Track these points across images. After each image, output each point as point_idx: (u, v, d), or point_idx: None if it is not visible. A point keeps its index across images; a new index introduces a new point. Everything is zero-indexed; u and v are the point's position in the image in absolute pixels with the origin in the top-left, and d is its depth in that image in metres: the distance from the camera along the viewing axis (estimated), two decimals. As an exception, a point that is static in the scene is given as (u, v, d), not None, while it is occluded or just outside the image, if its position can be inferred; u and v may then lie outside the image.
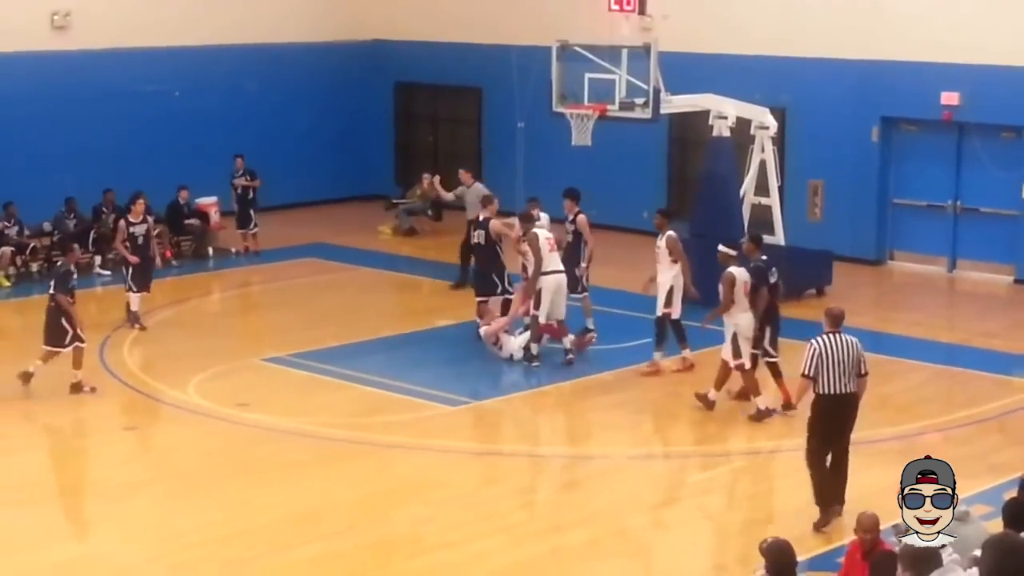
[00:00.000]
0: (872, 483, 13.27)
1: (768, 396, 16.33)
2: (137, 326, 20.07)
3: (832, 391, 12.90)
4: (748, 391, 16.36)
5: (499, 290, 19.07)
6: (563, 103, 21.08)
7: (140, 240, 20.50)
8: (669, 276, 17.89)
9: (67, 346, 17.23)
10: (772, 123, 22.11)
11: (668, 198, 26.69)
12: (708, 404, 16.47)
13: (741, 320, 16.16)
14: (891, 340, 19.95)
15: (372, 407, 16.94)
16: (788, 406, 15.78)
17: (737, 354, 16.17)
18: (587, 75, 20.81)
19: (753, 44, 25.06)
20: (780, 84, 24.41)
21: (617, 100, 20.53)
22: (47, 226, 24.26)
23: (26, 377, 17.22)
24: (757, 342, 16.39)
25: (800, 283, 22.08)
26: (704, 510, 14.02)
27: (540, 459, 15.74)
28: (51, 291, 17.34)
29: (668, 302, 17.86)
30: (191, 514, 13.54)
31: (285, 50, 29.56)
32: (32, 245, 23.84)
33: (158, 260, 21.67)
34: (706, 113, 21.75)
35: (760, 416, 16.11)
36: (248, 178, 25.47)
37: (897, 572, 8.10)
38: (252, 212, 25.43)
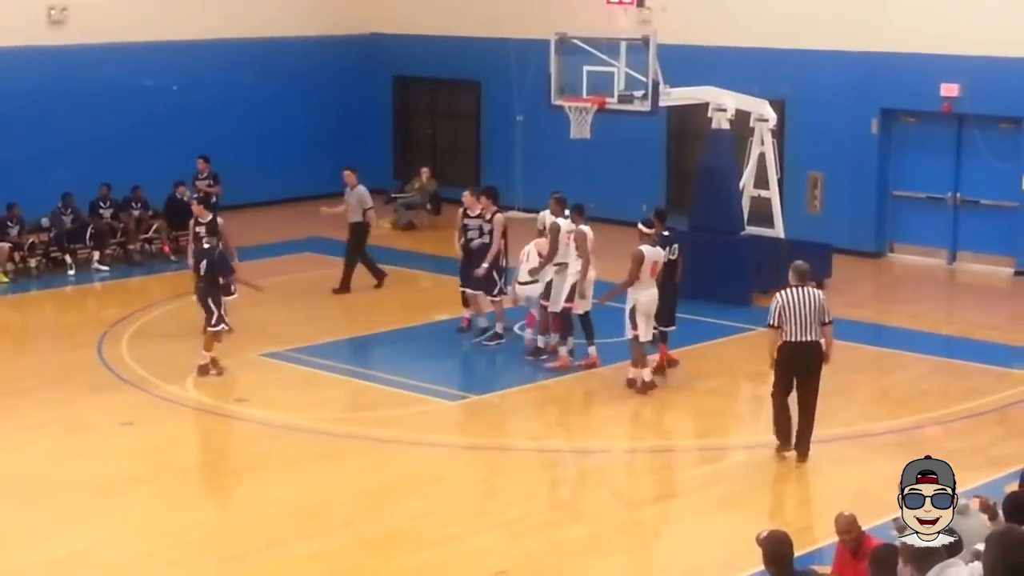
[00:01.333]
0: (871, 475, 13.25)
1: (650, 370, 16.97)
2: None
3: (795, 339, 14.07)
4: (637, 362, 16.94)
5: (495, 290, 18.97)
6: (562, 96, 21.02)
7: (205, 243, 19.07)
8: (574, 269, 17.68)
9: (214, 326, 17.43)
10: (771, 115, 22.06)
11: (667, 191, 26.70)
12: (643, 387, 16.80)
13: (642, 296, 16.64)
14: (891, 333, 19.93)
15: (370, 402, 16.90)
16: (660, 371, 17.28)
17: (634, 326, 16.68)
18: (585, 68, 20.76)
19: (752, 36, 25.00)
20: (779, 76, 24.36)
21: (616, 93, 20.48)
22: (44, 222, 24.17)
23: (203, 370, 17.47)
24: (668, 318, 17.37)
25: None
26: (704, 504, 13.95)
27: (539, 453, 15.67)
28: (207, 273, 17.47)
29: (571, 297, 17.66)
30: (188, 510, 13.50)
31: (282, 44, 29.51)
32: (30, 241, 23.76)
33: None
34: (705, 106, 21.70)
35: (644, 388, 16.75)
36: (211, 183, 25.26)
37: (898, 566, 8.04)
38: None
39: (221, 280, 17.72)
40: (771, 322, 14.20)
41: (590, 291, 17.76)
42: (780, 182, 22.55)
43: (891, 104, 24.31)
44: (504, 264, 19.04)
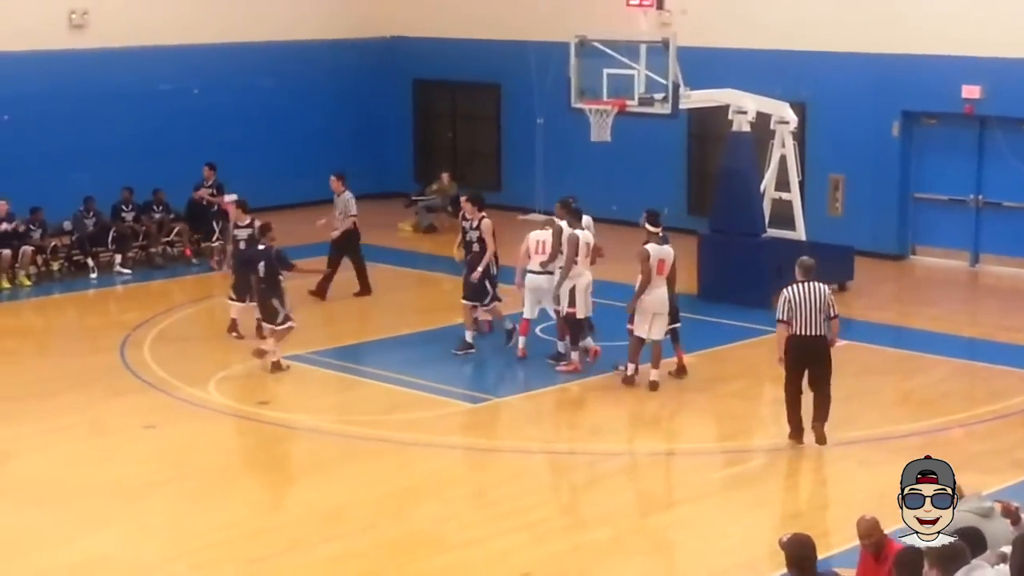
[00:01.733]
0: (895, 478, 13.12)
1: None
2: (234, 334, 19.32)
3: (801, 333, 14.48)
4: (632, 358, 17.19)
5: (487, 300, 18.99)
6: (582, 99, 21.01)
7: (243, 245, 19.41)
8: (574, 273, 17.62)
9: (281, 324, 17.69)
10: (792, 118, 22.01)
11: (688, 193, 26.69)
12: (628, 380, 17.11)
13: (646, 296, 16.76)
14: (913, 335, 19.86)
15: (392, 405, 16.90)
16: (681, 371, 17.48)
17: (630, 320, 16.91)
18: (606, 71, 20.74)
19: (772, 38, 24.95)
20: (800, 78, 24.30)
21: (636, 95, 20.46)
22: (67, 225, 24.24)
23: (260, 353, 17.78)
24: (673, 316, 17.27)
25: (821, 278, 21.95)
26: (727, 507, 13.93)
27: (560, 456, 15.67)
28: (266, 275, 17.68)
29: (572, 301, 17.63)
30: (211, 513, 13.52)
31: (303, 47, 29.56)
32: (52, 244, 23.83)
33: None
34: (725, 108, 21.65)
35: (627, 380, 17.10)
36: (214, 192, 25.18)
37: (924, 569, 8.02)
38: (216, 225, 24.72)
39: (280, 277, 17.84)
40: (780, 317, 14.58)
41: (576, 293, 17.58)
42: (801, 184, 22.51)
43: (912, 106, 24.23)
44: (495, 271, 19.04)
